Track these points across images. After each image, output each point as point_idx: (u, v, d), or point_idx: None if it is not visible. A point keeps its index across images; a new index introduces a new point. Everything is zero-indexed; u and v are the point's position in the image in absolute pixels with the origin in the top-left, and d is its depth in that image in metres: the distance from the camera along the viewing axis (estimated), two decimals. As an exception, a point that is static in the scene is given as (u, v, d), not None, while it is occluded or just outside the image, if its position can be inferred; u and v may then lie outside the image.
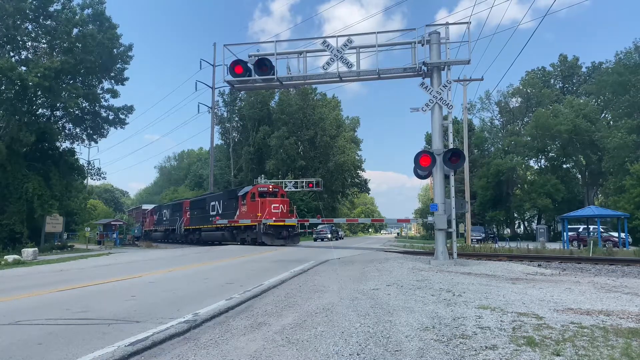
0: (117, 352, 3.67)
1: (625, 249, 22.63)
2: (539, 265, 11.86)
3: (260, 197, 25.37)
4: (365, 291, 6.99)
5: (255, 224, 24.55)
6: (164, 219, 40.57)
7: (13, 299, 7.04)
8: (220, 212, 29.11)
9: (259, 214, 24.36)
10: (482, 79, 26.64)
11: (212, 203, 30.73)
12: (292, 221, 25.36)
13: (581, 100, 48.12)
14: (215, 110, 43.61)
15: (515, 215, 51.36)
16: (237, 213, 26.69)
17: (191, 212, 34.29)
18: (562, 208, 40.38)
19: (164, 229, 40.02)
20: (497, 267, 10.77)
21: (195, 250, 22.20)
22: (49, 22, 23.24)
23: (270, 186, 27.49)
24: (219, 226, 28.34)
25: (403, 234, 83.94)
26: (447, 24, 12.69)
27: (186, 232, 34.37)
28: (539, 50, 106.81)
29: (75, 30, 23.42)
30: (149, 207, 49.54)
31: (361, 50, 12.78)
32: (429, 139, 48.42)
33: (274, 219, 24.12)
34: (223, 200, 29.46)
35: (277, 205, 24.91)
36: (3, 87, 22.28)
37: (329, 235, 39.07)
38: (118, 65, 26.39)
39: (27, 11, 22.34)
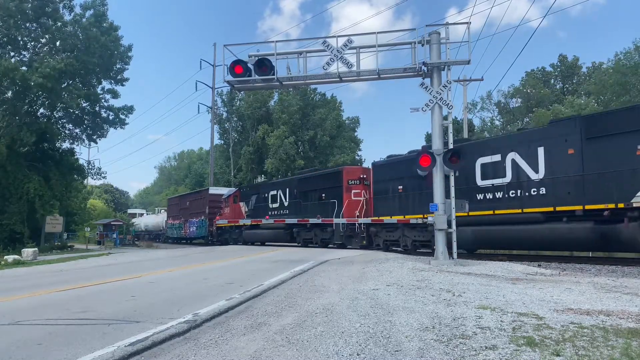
0: (117, 352, 3.67)
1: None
2: (539, 266, 11.85)
3: None
4: (365, 291, 6.99)
5: None
6: (274, 206, 24.34)
7: (13, 299, 7.04)
8: (543, 176, 12.34)
9: None
10: (482, 79, 26.71)
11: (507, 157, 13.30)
12: None
13: (581, 101, 48.11)
14: (215, 110, 43.64)
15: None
16: None
17: (389, 186, 17.24)
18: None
19: (285, 225, 23.03)
20: (497, 267, 10.76)
21: (197, 251, 22.24)
22: (50, 23, 23.28)
23: None
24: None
25: None
26: (447, 24, 12.72)
27: (373, 228, 18.16)
28: (546, 50, 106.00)
29: (77, 31, 23.50)
30: (226, 191, 31.22)
31: (361, 50, 12.78)
32: (429, 139, 48.39)
33: None
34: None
35: None
36: (4, 88, 22.33)
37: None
38: (118, 66, 26.44)
39: (28, 11, 22.38)
